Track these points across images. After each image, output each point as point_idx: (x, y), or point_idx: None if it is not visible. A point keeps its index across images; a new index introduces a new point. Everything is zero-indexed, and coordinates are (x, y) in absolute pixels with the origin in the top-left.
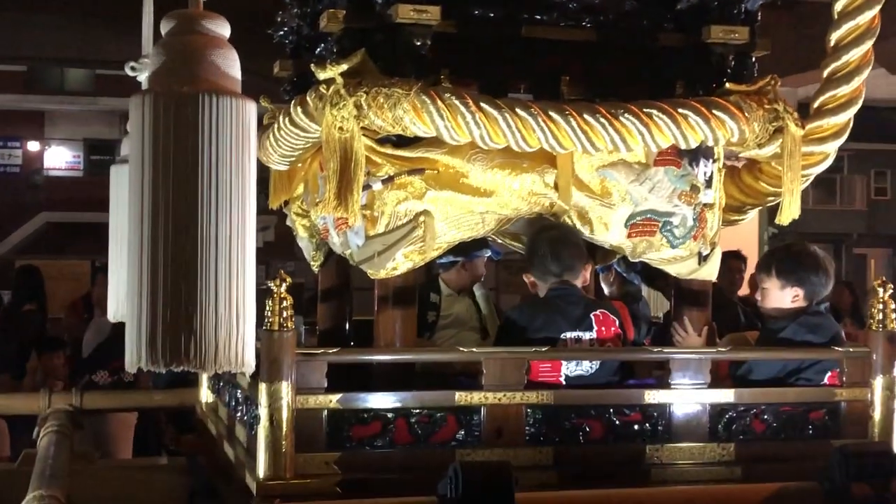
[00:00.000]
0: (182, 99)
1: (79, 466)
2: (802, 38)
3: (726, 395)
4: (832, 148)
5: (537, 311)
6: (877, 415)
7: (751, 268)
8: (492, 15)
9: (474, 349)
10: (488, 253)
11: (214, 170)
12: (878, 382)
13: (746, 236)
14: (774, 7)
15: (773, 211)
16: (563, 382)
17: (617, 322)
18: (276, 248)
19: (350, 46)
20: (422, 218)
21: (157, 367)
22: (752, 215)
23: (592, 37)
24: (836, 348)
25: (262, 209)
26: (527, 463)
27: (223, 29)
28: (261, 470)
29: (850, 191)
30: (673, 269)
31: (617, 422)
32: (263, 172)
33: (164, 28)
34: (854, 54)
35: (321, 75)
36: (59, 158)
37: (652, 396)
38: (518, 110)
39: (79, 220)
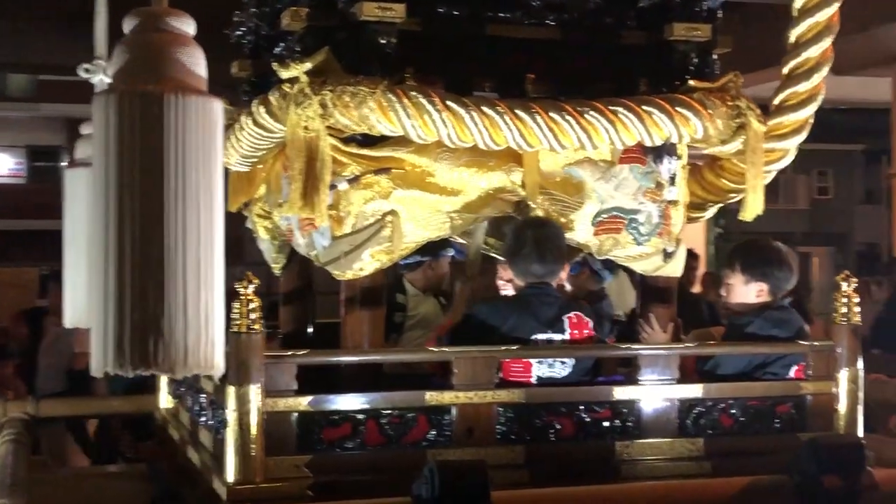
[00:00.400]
0: (147, 98)
1: (38, 475)
2: (749, 39)
3: (694, 391)
4: (792, 144)
5: (510, 311)
6: (842, 407)
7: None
8: (456, 13)
9: (445, 349)
10: (452, 252)
11: (181, 170)
12: (843, 375)
13: (693, 235)
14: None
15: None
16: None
17: (590, 324)
18: (226, 252)
19: (313, 45)
20: (389, 218)
21: (125, 371)
22: (713, 213)
23: (556, 35)
24: (802, 342)
25: None
26: (498, 462)
27: (188, 26)
28: (230, 474)
29: (792, 190)
30: (638, 266)
31: (587, 419)
32: None
33: (128, 26)
34: (814, 51)
35: (284, 74)
36: (2, 165)
37: (621, 393)
38: (485, 108)
39: (22, 228)
